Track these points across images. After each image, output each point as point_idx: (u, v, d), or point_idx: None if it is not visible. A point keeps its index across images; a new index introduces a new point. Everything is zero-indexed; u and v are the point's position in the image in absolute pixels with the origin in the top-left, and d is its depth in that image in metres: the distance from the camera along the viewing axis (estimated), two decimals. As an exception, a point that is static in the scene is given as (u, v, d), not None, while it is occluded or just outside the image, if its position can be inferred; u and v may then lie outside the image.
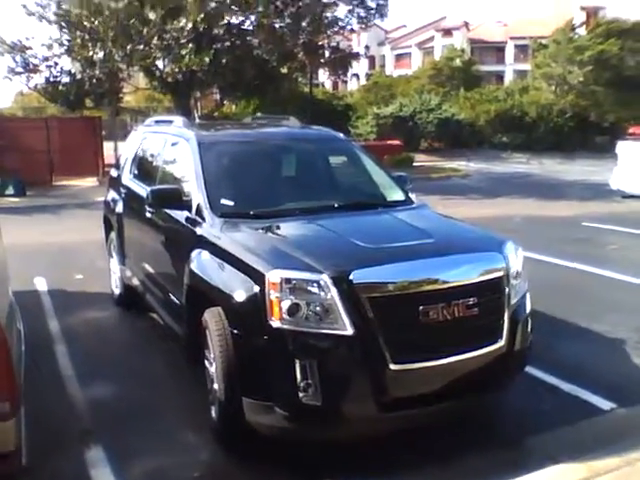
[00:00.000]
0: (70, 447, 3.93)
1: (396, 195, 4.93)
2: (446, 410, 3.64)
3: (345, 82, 34.30)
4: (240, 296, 3.56)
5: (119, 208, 6.30)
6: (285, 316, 3.34)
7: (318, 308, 3.34)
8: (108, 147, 20.79)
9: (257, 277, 3.48)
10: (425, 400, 3.49)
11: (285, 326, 3.35)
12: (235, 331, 3.56)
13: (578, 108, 30.85)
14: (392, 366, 3.35)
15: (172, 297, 4.71)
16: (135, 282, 5.89)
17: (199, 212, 4.35)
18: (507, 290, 3.77)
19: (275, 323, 3.37)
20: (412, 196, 4.93)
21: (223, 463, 3.78)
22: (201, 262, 4.12)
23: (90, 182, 19.00)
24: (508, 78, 45.29)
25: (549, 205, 14.31)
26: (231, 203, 4.37)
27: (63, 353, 5.39)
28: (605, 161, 25.38)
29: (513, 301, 3.81)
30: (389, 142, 24.09)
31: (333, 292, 3.33)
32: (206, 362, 4.01)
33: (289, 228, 4.07)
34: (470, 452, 3.77)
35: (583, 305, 6.50)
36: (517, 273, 3.90)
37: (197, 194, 4.44)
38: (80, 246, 9.38)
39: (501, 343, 3.70)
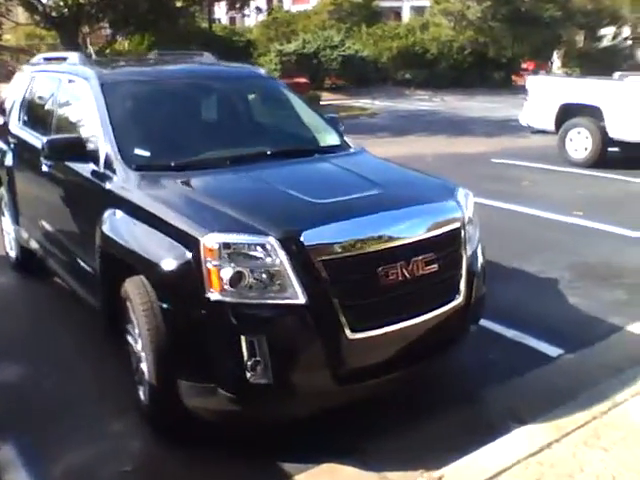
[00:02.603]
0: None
1: (331, 139, 4.44)
2: (405, 376, 3.32)
3: (246, 16, 32.73)
4: (169, 265, 3.03)
5: (8, 160, 5.46)
6: (226, 287, 2.85)
7: (264, 276, 2.87)
8: (-12, 89, 18.95)
9: (189, 242, 2.96)
10: (384, 368, 3.14)
11: (227, 298, 2.86)
12: (165, 306, 3.04)
13: (477, 44, 31.07)
14: (350, 335, 2.95)
15: (82, 264, 4.08)
16: (34, 245, 5.16)
17: (108, 165, 3.72)
18: (463, 241, 3.45)
19: (214, 295, 2.87)
20: (348, 140, 4.47)
21: (156, 452, 3.30)
22: (116, 224, 3.52)
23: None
24: (406, 14, 44.88)
25: (457, 142, 14.41)
26: (147, 153, 3.76)
27: (-48, 331, 4.67)
28: (504, 97, 26.04)
29: (469, 252, 3.50)
30: (295, 80, 23.22)
31: (282, 256, 2.87)
32: (129, 337, 3.49)
33: (220, 182, 3.53)
34: (424, 417, 3.49)
35: (510, 244, 6.33)
36: (470, 220, 3.58)
37: (104, 143, 3.79)
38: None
39: (459, 299, 3.39)
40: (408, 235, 3.16)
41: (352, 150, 4.32)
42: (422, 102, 25.70)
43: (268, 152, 3.94)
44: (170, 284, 3.04)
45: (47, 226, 4.75)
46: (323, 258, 2.91)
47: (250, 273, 2.86)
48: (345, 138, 4.48)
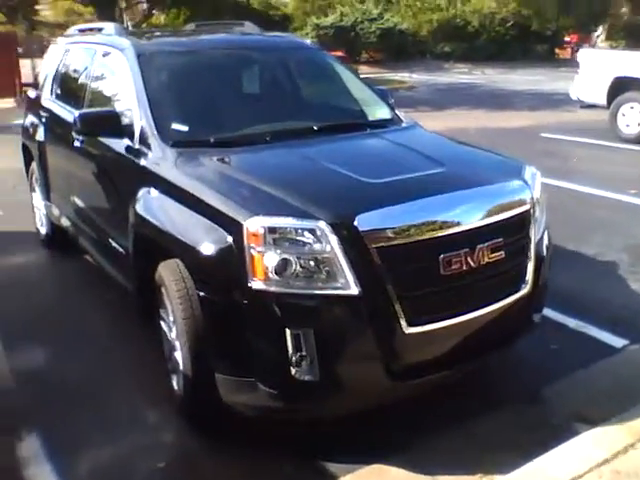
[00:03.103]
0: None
1: (382, 113, 4.11)
2: (464, 371, 3.04)
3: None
4: (207, 250, 2.77)
5: (40, 135, 5.27)
6: (271, 275, 2.58)
7: (313, 264, 2.59)
8: (25, 65, 18.90)
9: (230, 226, 2.69)
10: (442, 364, 2.85)
11: (271, 288, 2.59)
12: (203, 294, 2.79)
13: (520, 17, 30.14)
14: (407, 329, 2.66)
15: (114, 244, 3.86)
16: (65, 222, 4.97)
17: (144, 140, 3.47)
18: (531, 225, 3.12)
19: (258, 284, 2.60)
20: (400, 113, 4.15)
21: (192, 447, 3.07)
22: (151, 204, 3.28)
23: (7, 103, 17.29)
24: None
25: (500, 116, 13.94)
26: (185, 128, 3.49)
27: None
28: (546, 70, 25.28)
29: (537, 236, 3.17)
30: (333, 53, 22.83)
31: (333, 243, 2.58)
32: (162, 323, 3.27)
33: (264, 159, 3.26)
34: (480, 415, 3.19)
35: (563, 224, 5.88)
36: (538, 201, 3.24)
37: (140, 118, 3.53)
38: (-3, 176, 8.16)
39: (526, 289, 3.08)
40: (474, 219, 2.85)
41: (405, 124, 3.99)
42: (462, 75, 25.14)
43: (315, 127, 3.62)
44: (208, 271, 2.79)
45: (79, 203, 4.54)
46: (379, 245, 2.61)
47: (297, 261, 2.58)
48: (397, 111, 4.15)
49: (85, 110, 3.80)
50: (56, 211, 5.13)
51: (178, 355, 3.04)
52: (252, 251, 2.60)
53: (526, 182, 3.21)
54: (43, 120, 5.24)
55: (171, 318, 3.08)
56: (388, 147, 3.52)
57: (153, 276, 3.19)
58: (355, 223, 2.61)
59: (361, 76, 4.77)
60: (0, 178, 8.01)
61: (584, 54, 11.63)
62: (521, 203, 3.08)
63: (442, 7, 31.42)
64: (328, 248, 2.59)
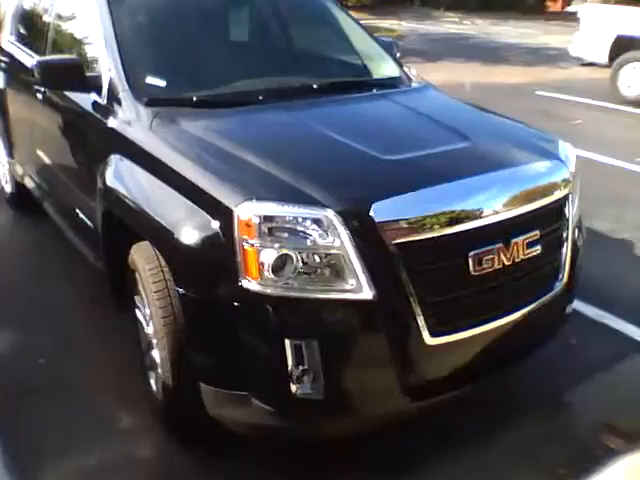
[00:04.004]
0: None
1: (388, 69, 3.57)
2: (489, 382, 2.63)
3: None
4: (189, 238, 2.27)
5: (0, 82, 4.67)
6: (267, 274, 2.10)
7: (318, 261, 2.12)
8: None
9: (218, 211, 2.20)
10: (468, 376, 2.43)
11: (267, 290, 2.12)
12: (183, 291, 2.31)
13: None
14: (429, 340, 2.22)
15: (81, 215, 3.35)
16: (29, 183, 4.42)
17: (113, 96, 2.92)
18: (570, 211, 2.68)
19: (251, 285, 2.12)
20: (409, 70, 3.62)
21: (173, 461, 2.63)
22: (122, 174, 2.76)
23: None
24: None
25: (495, 70, 13.33)
26: (162, 83, 2.95)
27: None
28: (537, 23, 24.58)
29: (573, 225, 2.73)
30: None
31: (343, 236, 2.11)
32: (138, 312, 2.80)
33: (258, 126, 2.72)
34: (498, 427, 2.80)
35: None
36: (575, 184, 2.79)
37: (108, 68, 2.97)
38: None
39: (561, 286, 2.65)
40: (509, 207, 2.38)
41: (416, 85, 3.46)
42: (452, 25, 24.32)
43: (314, 85, 3.09)
44: (190, 264, 2.30)
45: (43, 165, 3.99)
46: (398, 239, 2.15)
47: (299, 257, 2.11)
48: (405, 69, 3.62)
49: (45, 58, 3.22)
50: (19, 169, 4.57)
51: (156, 355, 2.58)
52: (244, 244, 2.11)
53: (562, 160, 2.74)
54: (2, 65, 4.62)
55: (147, 311, 2.61)
56: (401, 113, 3.00)
57: (126, 258, 2.71)
58: (371, 213, 2.13)
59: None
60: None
61: (585, 9, 11.06)
62: (560, 186, 2.61)
63: (433, -48, 30.23)
64: (337, 242, 2.11)
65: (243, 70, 3.18)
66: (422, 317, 2.19)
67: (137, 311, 2.81)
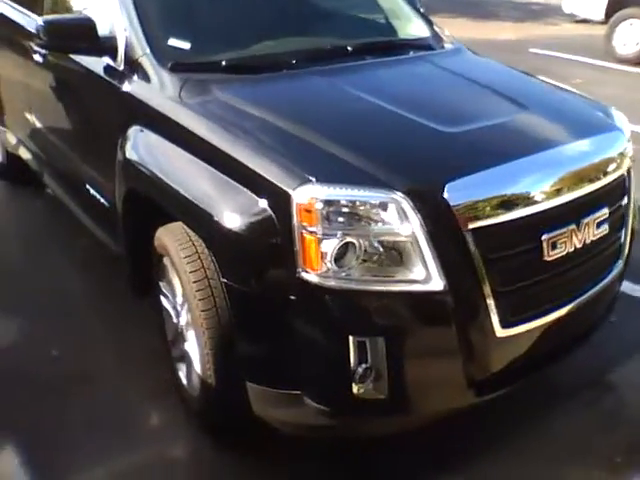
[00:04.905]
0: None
1: (418, 28, 3.30)
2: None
3: None
4: (236, 224, 2.03)
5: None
6: (329, 265, 1.89)
7: (385, 249, 1.92)
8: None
9: (272, 195, 1.97)
10: (532, 366, 2.27)
11: (329, 282, 1.90)
12: (230, 282, 2.09)
13: None
14: (500, 332, 2.04)
15: (93, 192, 3.08)
16: (25, 154, 4.10)
17: (130, 61, 2.63)
18: (631, 185, 2.50)
19: (310, 276, 1.91)
20: (441, 30, 3.36)
21: (208, 461, 2.43)
22: (147, 148, 2.50)
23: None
24: None
25: (484, 26, 13.00)
26: (186, 45, 2.66)
27: None
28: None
29: (632, 198, 2.55)
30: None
31: (414, 221, 1.90)
32: (163, 300, 2.59)
33: (300, 94, 2.46)
34: (553, 413, 2.66)
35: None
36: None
37: (124, 28, 2.68)
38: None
39: (621, 264, 2.49)
40: (581, 184, 2.18)
41: (451, 46, 3.21)
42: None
43: (349, 47, 2.83)
44: (238, 254, 2.07)
45: (43, 135, 3.68)
46: (473, 224, 1.94)
47: (364, 245, 1.90)
48: (436, 27, 3.36)
49: (51, 17, 2.87)
50: (13, 139, 4.24)
51: (190, 348, 2.37)
52: (303, 232, 1.90)
53: (621, 130, 2.55)
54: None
55: (179, 300, 2.40)
56: (448, 78, 2.76)
57: (150, 239, 2.48)
58: (444, 194, 1.92)
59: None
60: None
61: (582, -36, 10.75)
62: (625, 158, 2.42)
63: None
64: (406, 228, 1.90)
65: (270, 30, 2.88)
66: (494, 308, 2.00)
67: (163, 298, 2.60)
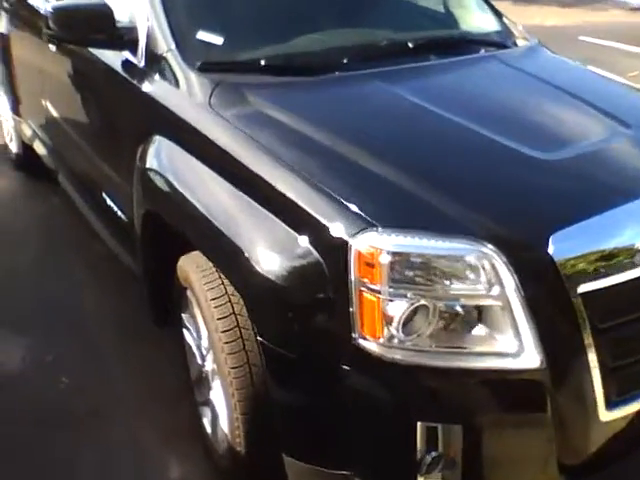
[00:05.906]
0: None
1: (486, 21, 2.83)
2: None
3: None
4: (276, 269, 1.63)
5: (3, 26, 3.93)
6: (394, 332, 1.48)
7: (467, 314, 1.50)
8: None
9: (323, 239, 1.56)
10: (632, 445, 1.84)
11: (395, 354, 1.50)
12: (266, 342, 1.70)
13: None
14: (604, 415, 1.62)
15: (109, 202, 2.71)
16: (40, 149, 3.75)
17: (153, 57, 2.23)
18: None
19: (370, 345, 1.50)
20: (513, 24, 2.89)
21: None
22: (170, 166, 2.10)
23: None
24: None
25: (529, 10, 12.31)
26: (218, 40, 2.25)
27: None
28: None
29: None
30: None
31: (507, 280, 1.47)
32: (186, 334, 2.21)
33: (356, 107, 2.01)
34: None
35: None
36: None
37: (147, 18, 2.27)
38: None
39: None
40: None
41: (526, 43, 2.73)
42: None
43: (410, 44, 2.38)
44: (277, 308, 1.67)
45: (58, 131, 3.31)
46: (584, 284, 1.51)
47: (441, 310, 1.49)
48: (506, 20, 2.89)
49: (62, 3, 2.47)
50: (28, 131, 3.88)
51: (216, 399, 2.00)
52: (363, 289, 1.49)
53: None
54: (8, 5, 3.88)
55: (204, 343, 2.02)
56: (533, 86, 2.27)
57: (173, 266, 2.10)
58: (549, 247, 1.49)
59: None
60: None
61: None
62: None
63: None
64: (496, 290, 1.48)
65: (316, 22, 2.44)
66: (601, 387, 1.58)
67: (185, 332, 2.22)
